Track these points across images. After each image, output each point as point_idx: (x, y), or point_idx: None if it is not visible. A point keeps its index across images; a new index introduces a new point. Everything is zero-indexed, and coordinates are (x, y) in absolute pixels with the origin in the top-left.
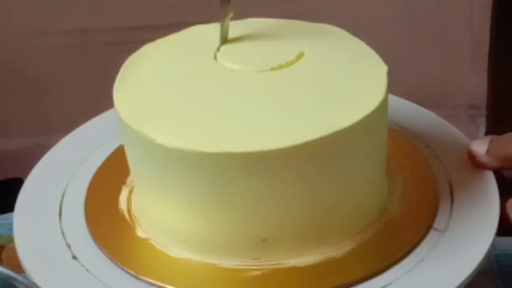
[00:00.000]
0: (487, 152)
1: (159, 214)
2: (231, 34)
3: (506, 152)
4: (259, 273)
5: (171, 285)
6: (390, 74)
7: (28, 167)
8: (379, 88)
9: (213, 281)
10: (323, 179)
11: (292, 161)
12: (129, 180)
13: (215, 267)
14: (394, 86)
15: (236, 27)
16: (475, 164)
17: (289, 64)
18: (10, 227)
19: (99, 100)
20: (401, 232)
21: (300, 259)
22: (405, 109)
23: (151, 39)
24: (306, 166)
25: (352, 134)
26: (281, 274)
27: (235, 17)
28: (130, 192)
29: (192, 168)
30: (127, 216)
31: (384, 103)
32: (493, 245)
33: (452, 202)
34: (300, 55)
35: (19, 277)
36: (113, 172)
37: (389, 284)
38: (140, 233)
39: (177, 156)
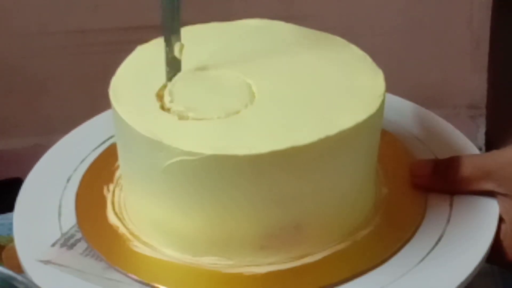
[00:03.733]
0: (433, 173)
1: (150, 213)
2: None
3: (456, 175)
4: (253, 273)
5: (166, 286)
6: (389, 75)
7: (27, 167)
8: (375, 97)
9: (205, 281)
10: (318, 180)
11: (286, 162)
12: (116, 177)
13: (206, 266)
14: (394, 86)
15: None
16: (417, 183)
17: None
18: (10, 227)
19: (99, 100)
20: (396, 231)
21: (295, 260)
22: (405, 109)
23: (151, 39)
24: (297, 169)
25: (341, 141)
26: (274, 274)
27: (234, 18)
28: (120, 189)
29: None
30: (115, 217)
31: (379, 111)
32: None
33: (451, 202)
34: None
35: (19, 277)
36: (103, 169)
37: (389, 284)
38: (129, 233)
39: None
